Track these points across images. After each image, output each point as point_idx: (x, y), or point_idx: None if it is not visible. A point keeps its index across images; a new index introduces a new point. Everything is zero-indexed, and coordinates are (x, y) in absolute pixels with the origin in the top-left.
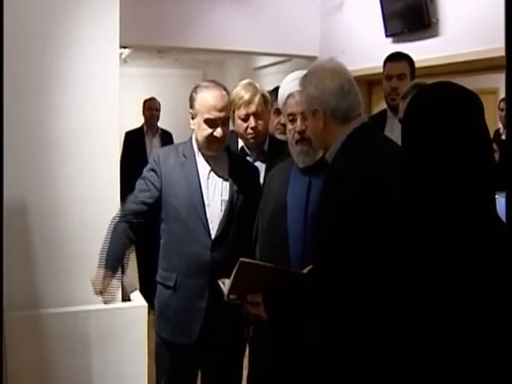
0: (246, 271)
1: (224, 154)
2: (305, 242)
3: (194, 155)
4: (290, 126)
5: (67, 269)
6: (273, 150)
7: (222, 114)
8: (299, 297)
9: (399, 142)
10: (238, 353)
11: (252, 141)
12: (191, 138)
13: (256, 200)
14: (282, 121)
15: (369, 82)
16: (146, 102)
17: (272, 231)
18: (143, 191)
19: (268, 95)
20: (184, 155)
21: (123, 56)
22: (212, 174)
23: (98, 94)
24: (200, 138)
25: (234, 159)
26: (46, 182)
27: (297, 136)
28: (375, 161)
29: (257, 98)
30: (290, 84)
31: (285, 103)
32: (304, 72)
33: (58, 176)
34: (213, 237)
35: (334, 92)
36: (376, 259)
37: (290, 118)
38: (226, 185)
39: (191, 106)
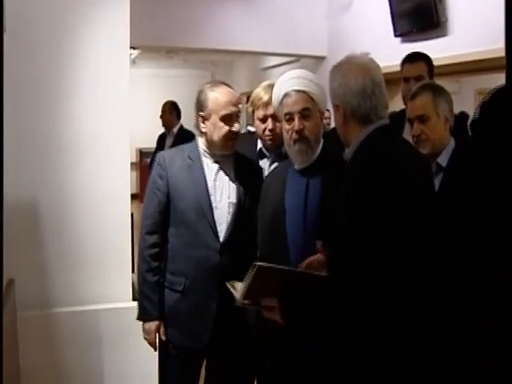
0: (262, 276)
1: (229, 155)
2: (304, 243)
3: (200, 158)
4: (286, 126)
5: (78, 269)
6: None
7: (237, 108)
8: (318, 300)
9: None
10: (249, 356)
11: (270, 142)
12: (196, 141)
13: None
14: (270, 126)
15: None
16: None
17: (271, 234)
18: (155, 205)
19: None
20: (190, 158)
21: (132, 57)
22: (219, 176)
23: (109, 96)
24: (217, 138)
25: (240, 160)
26: (57, 183)
27: (295, 135)
28: (392, 163)
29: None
30: (285, 84)
31: (280, 103)
32: (297, 72)
33: (70, 177)
34: (221, 240)
35: (355, 93)
36: (400, 261)
37: (287, 117)
38: (233, 187)
39: (202, 109)
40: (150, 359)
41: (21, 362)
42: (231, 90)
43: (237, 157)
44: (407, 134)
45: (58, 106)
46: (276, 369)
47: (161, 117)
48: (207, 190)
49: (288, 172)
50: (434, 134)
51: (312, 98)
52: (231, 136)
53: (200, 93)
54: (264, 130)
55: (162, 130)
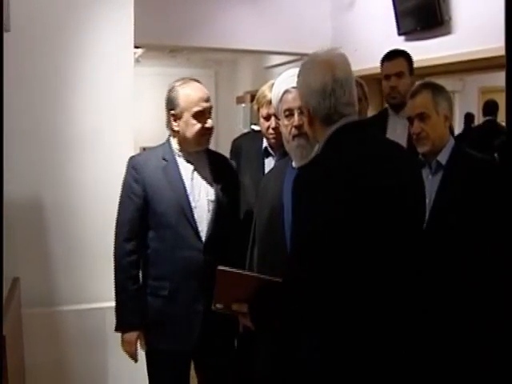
0: (226, 279)
1: (203, 152)
2: None
3: (175, 157)
4: (286, 122)
5: (83, 267)
6: None
7: (208, 104)
8: (281, 305)
9: (402, 140)
10: (235, 357)
11: (273, 141)
12: (168, 141)
13: (238, 196)
14: (273, 124)
15: (381, 81)
16: None
17: (269, 233)
18: (132, 211)
19: None
20: (164, 159)
21: (136, 56)
22: (195, 174)
23: (113, 94)
24: (190, 135)
25: (213, 156)
26: (62, 182)
27: (294, 131)
28: (349, 164)
29: None
30: (285, 81)
31: (280, 100)
32: (297, 70)
33: (75, 175)
34: (203, 239)
35: (314, 92)
36: (343, 261)
37: (287, 113)
38: (210, 184)
39: (173, 107)
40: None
41: (26, 360)
42: (201, 86)
43: (209, 154)
44: (401, 132)
45: (63, 104)
46: (272, 370)
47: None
48: (185, 190)
49: (286, 170)
50: (434, 132)
51: None
52: (204, 132)
53: (170, 91)
54: (268, 128)
55: (164, 128)
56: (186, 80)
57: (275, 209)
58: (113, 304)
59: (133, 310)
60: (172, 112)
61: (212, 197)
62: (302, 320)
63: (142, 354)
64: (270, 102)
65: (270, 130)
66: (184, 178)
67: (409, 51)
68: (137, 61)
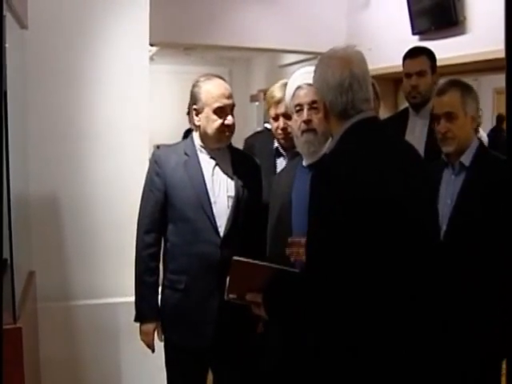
0: (241, 270)
1: (226, 149)
2: None
3: (196, 153)
4: (296, 117)
5: (97, 262)
6: None
7: (230, 101)
8: (295, 297)
9: (420, 141)
10: (253, 352)
11: (282, 141)
12: (192, 136)
13: (260, 194)
14: (281, 125)
15: (395, 80)
16: None
17: (278, 229)
18: (153, 204)
19: None
20: (186, 153)
21: (150, 54)
22: (216, 170)
23: (129, 92)
24: (210, 131)
25: (236, 154)
26: (78, 178)
27: (303, 126)
28: (364, 160)
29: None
30: (298, 78)
31: (293, 96)
32: (312, 67)
33: (91, 171)
34: (221, 235)
35: (332, 87)
36: (359, 256)
37: (297, 108)
38: (231, 181)
39: (195, 102)
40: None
41: (40, 352)
42: (224, 83)
43: (232, 150)
44: (420, 132)
45: (79, 102)
46: (281, 367)
47: (188, 113)
48: (205, 185)
49: (297, 168)
50: (461, 132)
51: None
52: (224, 129)
53: (194, 86)
54: (276, 128)
55: (178, 126)
56: (209, 76)
57: (285, 206)
58: (126, 299)
59: (150, 301)
60: (194, 106)
61: (232, 193)
62: (319, 314)
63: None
64: (278, 102)
65: (279, 131)
66: (205, 173)
67: None
68: (151, 59)
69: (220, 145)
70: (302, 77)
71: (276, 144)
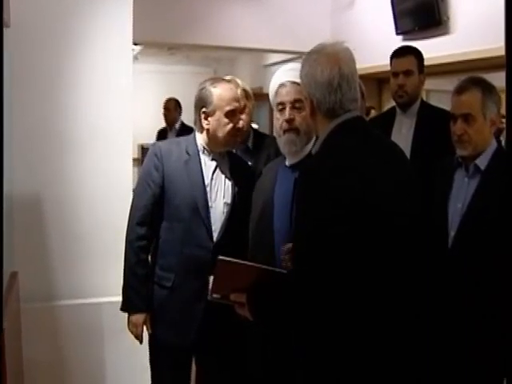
0: (226, 269)
1: (225, 153)
2: (290, 237)
3: (198, 154)
4: (278, 116)
5: (81, 262)
6: (257, 146)
7: (240, 104)
8: (280, 298)
9: (407, 141)
10: (238, 354)
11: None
12: (194, 136)
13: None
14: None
15: (379, 80)
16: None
17: (259, 226)
18: (148, 197)
19: (250, 90)
20: (187, 153)
21: (134, 53)
22: (216, 174)
23: (112, 91)
24: (221, 135)
25: (234, 160)
26: (60, 178)
27: (285, 125)
28: (352, 161)
29: (237, 92)
30: (281, 75)
31: (276, 93)
32: (296, 64)
33: (72, 171)
34: (215, 239)
35: (321, 85)
36: (344, 257)
37: (280, 107)
38: (228, 186)
39: (205, 105)
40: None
41: (23, 353)
42: (233, 86)
43: (231, 156)
44: (407, 132)
45: (61, 101)
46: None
47: (164, 114)
48: (204, 188)
49: (279, 167)
50: (478, 136)
51: None
52: (235, 132)
53: (202, 89)
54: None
55: (163, 126)
56: (216, 79)
57: (267, 204)
58: (110, 299)
59: (141, 293)
60: (204, 110)
61: (228, 200)
62: (304, 315)
63: (139, 348)
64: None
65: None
66: (205, 175)
67: None
68: (135, 58)
69: (226, 148)
70: (284, 74)
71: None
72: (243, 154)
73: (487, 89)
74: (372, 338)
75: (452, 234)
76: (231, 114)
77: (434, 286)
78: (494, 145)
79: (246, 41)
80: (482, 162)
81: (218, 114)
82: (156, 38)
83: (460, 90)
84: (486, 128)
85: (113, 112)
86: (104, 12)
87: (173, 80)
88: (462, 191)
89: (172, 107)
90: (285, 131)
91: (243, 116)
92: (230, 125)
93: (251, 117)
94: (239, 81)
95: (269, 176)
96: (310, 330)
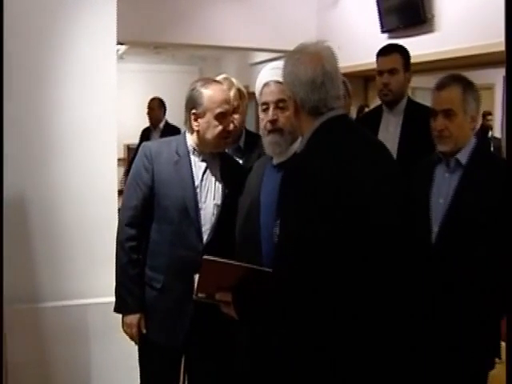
0: (211, 269)
1: (216, 154)
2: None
3: (188, 155)
4: (262, 116)
5: (65, 263)
6: (249, 145)
7: (231, 107)
8: (265, 296)
9: (394, 139)
10: (227, 355)
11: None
12: (184, 136)
13: None
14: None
15: (365, 78)
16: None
17: (246, 225)
18: (138, 198)
19: (244, 90)
20: (178, 153)
21: (120, 52)
22: (206, 176)
23: (96, 91)
24: (210, 136)
25: (226, 161)
26: (44, 178)
27: (268, 126)
28: (337, 159)
29: (232, 92)
30: (266, 74)
31: (260, 93)
32: (281, 63)
33: (57, 172)
34: (204, 241)
35: (304, 84)
36: (329, 256)
37: (264, 107)
38: (219, 187)
39: (195, 106)
40: (137, 352)
41: (8, 356)
42: (225, 88)
43: (222, 157)
44: (394, 130)
45: (45, 101)
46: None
47: (148, 113)
48: (194, 190)
49: (266, 167)
50: (459, 132)
51: None
52: (225, 134)
53: (192, 90)
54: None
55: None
56: (208, 80)
57: (253, 203)
58: (96, 300)
59: (134, 293)
60: (194, 111)
61: (218, 201)
62: (289, 313)
63: (126, 349)
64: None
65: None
66: (195, 176)
67: None
68: (121, 58)
69: (216, 150)
70: (269, 73)
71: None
72: (234, 152)
73: (468, 85)
74: (359, 337)
75: (435, 229)
76: (221, 117)
77: (420, 282)
78: (473, 141)
79: (232, 39)
80: (463, 156)
81: (208, 116)
82: (141, 37)
83: (441, 86)
84: (467, 124)
85: (97, 112)
86: (88, 11)
87: (159, 79)
88: (443, 187)
89: (156, 106)
90: (269, 132)
91: (236, 116)
92: (220, 127)
93: (245, 116)
94: (234, 80)
95: (256, 174)
96: (293, 328)
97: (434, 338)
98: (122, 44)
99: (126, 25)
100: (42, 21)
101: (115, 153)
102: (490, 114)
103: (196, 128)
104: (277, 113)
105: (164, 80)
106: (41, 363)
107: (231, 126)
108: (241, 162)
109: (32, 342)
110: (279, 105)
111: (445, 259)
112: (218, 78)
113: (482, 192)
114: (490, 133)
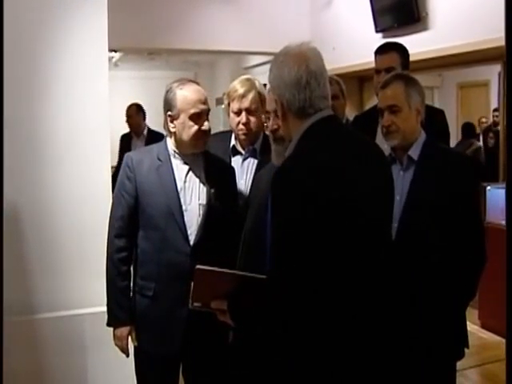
0: (205, 278)
1: (200, 154)
2: None
3: (170, 158)
4: (265, 125)
5: (60, 274)
6: (265, 149)
7: (206, 107)
8: (260, 302)
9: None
10: (222, 361)
11: (243, 137)
12: (165, 141)
13: (233, 202)
14: (244, 120)
15: (360, 78)
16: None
17: (253, 233)
18: (124, 208)
19: (264, 93)
20: (159, 159)
21: (114, 59)
22: (189, 177)
23: (88, 99)
24: (186, 138)
25: (211, 160)
26: (38, 187)
27: (271, 136)
28: (326, 161)
29: (251, 94)
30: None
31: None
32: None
33: (51, 181)
34: (191, 243)
35: (288, 85)
36: (319, 257)
37: (268, 115)
38: (204, 188)
39: (170, 108)
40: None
41: (5, 368)
42: (199, 88)
43: (207, 156)
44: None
45: (38, 109)
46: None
47: (127, 121)
48: (177, 193)
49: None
50: (405, 125)
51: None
52: (201, 135)
53: (168, 92)
54: (238, 123)
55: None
56: (183, 81)
57: (261, 207)
58: (91, 310)
59: (122, 305)
60: (169, 113)
61: (204, 201)
62: (282, 321)
63: (122, 359)
64: (242, 97)
65: (240, 126)
66: (177, 179)
67: None
68: (115, 65)
69: (195, 150)
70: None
71: (233, 142)
72: (250, 154)
73: (409, 81)
74: (353, 342)
75: (395, 225)
76: (196, 117)
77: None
78: (423, 136)
79: (226, 43)
80: (415, 152)
81: (183, 117)
82: (135, 43)
83: (384, 85)
84: (412, 117)
85: (90, 119)
86: (78, 19)
87: (153, 85)
88: (398, 184)
89: (134, 113)
90: (273, 140)
91: (252, 118)
92: (195, 127)
93: (262, 119)
94: (257, 83)
95: (266, 179)
96: (288, 333)
97: (400, 331)
98: (115, 51)
99: (120, 32)
100: (32, 29)
101: (109, 160)
102: (496, 110)
103: (173, 130)
104: (277, 122)
105: (159, 86)
106: (38, 374)
107: (207, 126)
108: (255, 164)
109: (28, 353)
110: (278, 113)
111: (405, 253)
112: (240, 79)
113: (435, 185)
114: (498, 127)
